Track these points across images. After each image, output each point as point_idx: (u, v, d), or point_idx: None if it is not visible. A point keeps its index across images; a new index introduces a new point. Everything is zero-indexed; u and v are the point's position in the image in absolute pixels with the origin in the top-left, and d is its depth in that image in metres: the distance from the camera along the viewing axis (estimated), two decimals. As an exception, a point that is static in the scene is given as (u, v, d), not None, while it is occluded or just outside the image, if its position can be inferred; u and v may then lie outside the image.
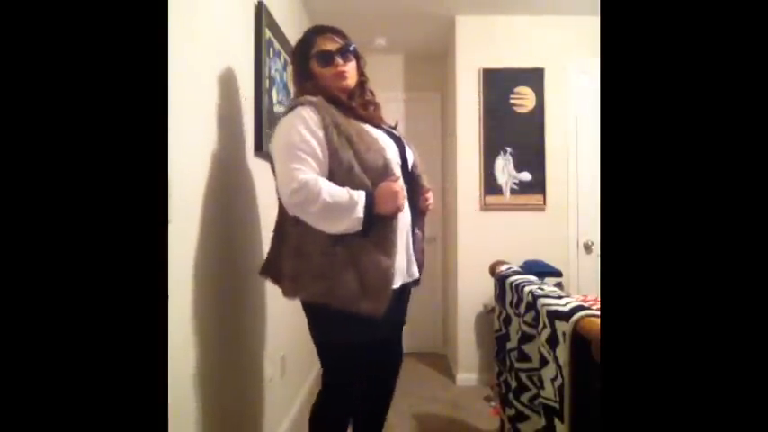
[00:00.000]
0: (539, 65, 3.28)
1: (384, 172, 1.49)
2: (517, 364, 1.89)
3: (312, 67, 1.59)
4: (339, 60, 1.58)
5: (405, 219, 1.57)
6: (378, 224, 1.46)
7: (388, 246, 1.47)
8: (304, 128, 1.45)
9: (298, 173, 1.41)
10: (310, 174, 1.42)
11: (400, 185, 1.48)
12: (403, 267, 1.57)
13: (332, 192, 1.41)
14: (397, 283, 1.52)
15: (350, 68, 1.61)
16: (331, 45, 1.59)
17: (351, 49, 1.62)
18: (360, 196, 1.43)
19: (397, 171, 1.54)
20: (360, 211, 1.42)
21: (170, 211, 1.25)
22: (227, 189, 1.71)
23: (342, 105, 1.56)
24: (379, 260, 1.45)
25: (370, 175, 1.47)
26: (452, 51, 3.43)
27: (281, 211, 1.59)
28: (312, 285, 1.45)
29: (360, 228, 1.43)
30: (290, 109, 1.51)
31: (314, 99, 1.51)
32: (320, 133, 1.45)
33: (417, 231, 1.68)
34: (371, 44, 3.70)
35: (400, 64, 3.99)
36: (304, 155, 1.43)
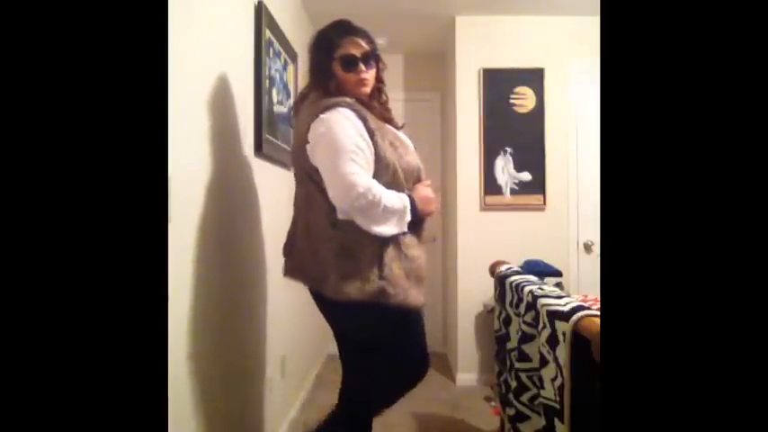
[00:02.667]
0: (539, 65, 3.28)
1: (418, 175, 1.58)
2: (517, 364, 1.89)
3: (334, 68, 1.57)
4: (362, 67, 1.56)
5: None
6: (415, 224, 1.55)
7: (423, 242, 1.59)
8: (354, 130, 1.47)
9: (358, 177, 1.43)
10: (367, 177, 1.46)
11: (433, 190, 1.57)
12: None
13: (387, 196, 1.46)
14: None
15: (370, 75, 1.60)
16: (356, 49, 1.57)
17: (374, 54, 1.60)
18: (406, 201, 1.50)
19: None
20: (409, 215, 1.50)
21: (170, 211, 1.24)
22: (228, 189, 1.71)
23: (368, 107, 1.58)
24: (419, 255, 1.56)
25: (407, 178, 1.55)
26: (452, 51, 3.43)
27: (310, 214, 1.58)
28: (364, 286, 1.48)
29: (405, 229, 1.52)
30: (327, 108, 1.50)
31: (350, 101, 1.53)
32: (366, 136, 1.48)
33: None
34: (371, 44, 3.70)
35: (400, 64, 3.99)
36: (358, 158, 1.45)
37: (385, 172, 1.51)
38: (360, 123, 1.48)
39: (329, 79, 1.57)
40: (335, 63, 1.57)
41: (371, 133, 1.49)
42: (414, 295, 1.53)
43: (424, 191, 1.56)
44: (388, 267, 1.50)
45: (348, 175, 1.43)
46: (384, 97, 1.70)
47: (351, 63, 1.56)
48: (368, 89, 1.60)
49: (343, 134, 1.46)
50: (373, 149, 1.49)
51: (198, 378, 1.45)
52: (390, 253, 1.51)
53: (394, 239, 1.52)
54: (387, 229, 1.48)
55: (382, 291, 1.48)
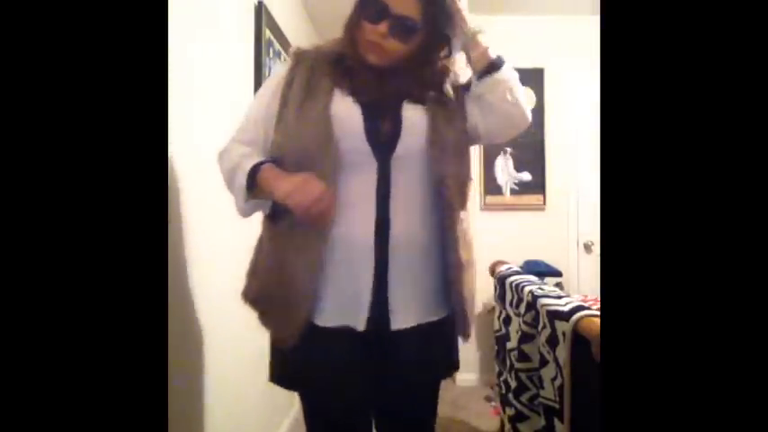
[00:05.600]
0: (539, 65, 3.28)
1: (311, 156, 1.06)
2: (517, 364, 1.89)
3: (359, 12, 1.09)
4: (383, 27, 1.03)
5: (358, 227, 1.07)
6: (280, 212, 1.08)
7: (308, 245, 1.06)
8: (265, 94, 1.17)
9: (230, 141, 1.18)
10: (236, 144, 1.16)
11: (321, 188, 0.98)
12: (350, 300, 1.08)
13: (229, 154, 1.15)
14: (328, 320, 1.08)
15: (392, 46, 1.05)
16: (396, 2, 1.03)
17: (415, 26, 1.05)
18: (246, 165, 1.08)
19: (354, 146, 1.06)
20: (239, 181, 1.08)
21: (169, 212, 1.24)
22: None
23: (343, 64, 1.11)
24: (287, 261, 1.08)
25: (301, 161, 1.06)
26: (452, 51, 3.43)
27: None
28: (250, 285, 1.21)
29: (243, 206, 1.12)
30: None
31: (307, 48, 1.17)
32: (276, 97, 1.13)
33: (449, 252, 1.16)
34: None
35: (400, 64, 3.99)
36: (247, 122, 1.18)
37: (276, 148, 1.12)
38: (281, 80, 1.13)
39: (346, 29, 1.12)
40: (362, 6, 1.09)
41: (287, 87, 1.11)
42: (271, 328, 1.14)
43: (291, 177, 1.02)
44: (251, 264, 1.19)
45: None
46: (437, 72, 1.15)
47: (371, 10, 1.04)
48: (378, 58, 1.07)
49: (256, 96, 1.21)
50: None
51: (198, 378, 1.45)
52: (259, 243, 1.19)
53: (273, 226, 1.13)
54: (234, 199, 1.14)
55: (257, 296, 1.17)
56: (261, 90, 1.19)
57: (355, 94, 1.09)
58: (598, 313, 1.35)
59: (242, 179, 1.07)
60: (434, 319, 1.16)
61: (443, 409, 2.99)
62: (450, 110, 1.15)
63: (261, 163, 1.07)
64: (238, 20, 1.89)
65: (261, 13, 2.07)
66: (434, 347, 1.19)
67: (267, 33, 2.16)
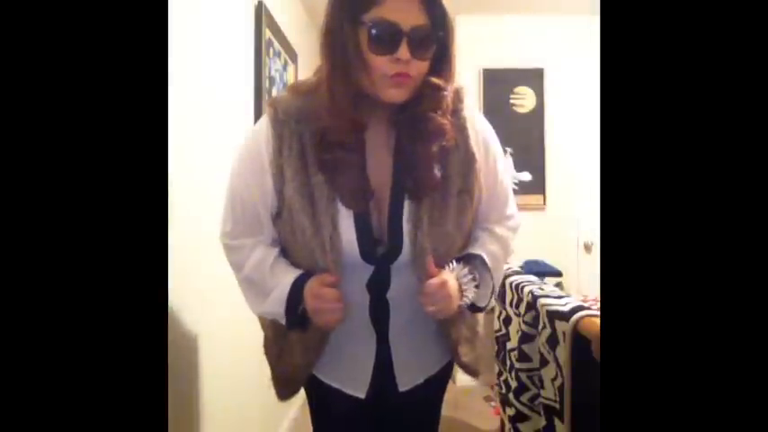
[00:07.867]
0: (539, 65, 3.29)
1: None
2: (517, 364, 1.89)
3: (360, 41, 0.88)
4: (404, 51, 0.86)
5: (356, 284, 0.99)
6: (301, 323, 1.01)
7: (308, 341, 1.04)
8: (250, 164, 1.02)
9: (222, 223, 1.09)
10: (238, 227, 1.07)
11: (328, 289, 0.94)
12: (351, 367, 1.07)
13: (254, 260, 1.03)
14: (331, 379, 1.08)
15: (417, 69, 0.90)
16: (404, 15, 0.85)
17: (436, 35, 0.89)
18: (285, 283, 0.98)
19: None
20: (280, 306, 0.98)
21: (174, 210, 1.24)
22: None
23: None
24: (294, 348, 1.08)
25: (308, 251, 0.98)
26: (452, 51, 3.43)
27: None
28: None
29: (268, 317, 1.06)
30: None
31: (287, 96, 1.00)
32: (268, 167, 0.98)
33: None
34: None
35: (400, 64, 3.99)
36: (236, 209, 1.07)
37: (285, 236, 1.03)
38: (267, 146, 0.97)
39: (343, 57, 0.90)
40: (361, 33, 0.88)
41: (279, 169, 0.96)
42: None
43: (320, 289, 0.94)
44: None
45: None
46: (440, 104, 0.94)
47: (385, 38, 0.86)
48: (402, 91, 0.91)
49: (236, 168, 1.05)
50: (272, 191, 0.98)
51: (199, 378, 1.45)
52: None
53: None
54: (249, 304, 1.07)
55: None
56: (243, 162, 1.04)
57: (349, 204, 0.95)
58: (598, 313, 1.35)
59: (277, 304, 0.99)
60: (442, 364, 1.16)
61: (443, 409, 2.99)
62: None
63: (302, 278, 0.98)
64: (238, 20, 1.89)
65: (261, 13, 2.07)
66: (440, 391, 1.23)
67: (267, 33, 2.16)
